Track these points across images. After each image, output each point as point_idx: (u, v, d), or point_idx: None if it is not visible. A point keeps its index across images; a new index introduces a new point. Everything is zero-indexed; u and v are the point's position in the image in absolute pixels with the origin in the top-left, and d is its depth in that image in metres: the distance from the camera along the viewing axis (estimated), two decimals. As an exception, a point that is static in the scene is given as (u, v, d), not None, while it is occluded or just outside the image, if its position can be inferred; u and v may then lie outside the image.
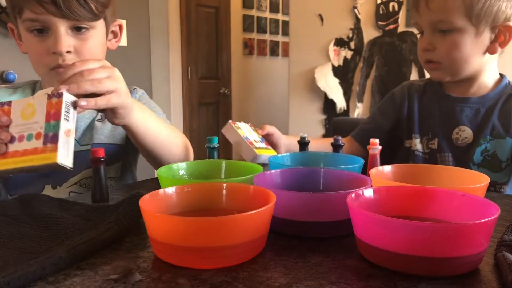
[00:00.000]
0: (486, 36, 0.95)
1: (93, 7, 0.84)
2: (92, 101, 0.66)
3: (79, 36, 0.86)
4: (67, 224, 0.59)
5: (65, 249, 0.50)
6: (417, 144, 1.06)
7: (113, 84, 0.69)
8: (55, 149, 0.60)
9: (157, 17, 3.19)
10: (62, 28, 0.83)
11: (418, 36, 1.03)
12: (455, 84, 1.03)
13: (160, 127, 0.85)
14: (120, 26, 0.99)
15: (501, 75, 1.04)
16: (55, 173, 0.93)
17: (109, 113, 0.73)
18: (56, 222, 0.60)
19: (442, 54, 0.97)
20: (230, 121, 0.92)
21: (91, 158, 0.74)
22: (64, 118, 0.62)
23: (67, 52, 0.84)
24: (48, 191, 0.93)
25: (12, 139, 0.63)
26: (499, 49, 0.97)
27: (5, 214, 0.63)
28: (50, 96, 0.63)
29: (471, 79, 1.01)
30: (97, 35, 0.89)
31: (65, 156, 0.62)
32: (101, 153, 0.74)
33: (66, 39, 0.83)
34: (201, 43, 3.69)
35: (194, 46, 3.60)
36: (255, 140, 0.96)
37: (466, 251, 0.47)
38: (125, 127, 0.79)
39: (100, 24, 0.89)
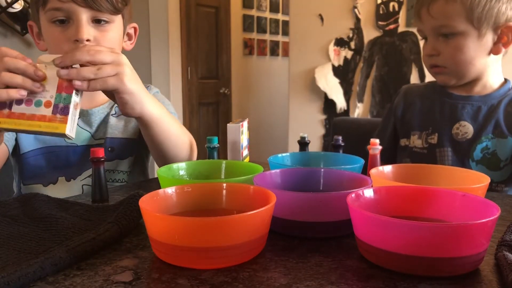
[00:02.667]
0: (489, 38, 0.96)
1: (114, 0, 0.88)
2: (85, 84, 0.68)
3: (99, 28, 0.89)
4: (67, 225, 0.59)
5: (65, 249, 0.50)
6: (415, 141, 1.07)
7: (114, 69, 0.71)
8: (64, 121, 0.66)
9: (157, 17, 3.19)
10: (84, 17, 0.86)
11: (422, 42, 1.05)
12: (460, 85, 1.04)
13: (172, 123, 0.87)
14: (135, 29, 1.03)
15: (505, 80, 1.06)
16: (70, 166, 0.95)
17: (118, 103, 0.75)
18: (56, 222, 0.60)
19: (447, 58, 0.99)
20: (241, 123, 0.92)
21: (90, 158, 0.74)
22: (75, 93, 0.67)
23: (87, 40, 0.86)
24: (62, 183, 0.95)
25: (18, 101, 0.66)
26: (503, 49, 0.98)
27: (5, 214, 0.63)
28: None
29: (475, 80, 1.02)
30: (115, 29, 0.92)
31: (71, 128, 0.67)
32: (101, 153, 0.74)
33: (87, 28, 0.87)
34: (201, 43, 3.69)
35: (194, 46, 3.59)
36: (244, 147, 0.96)
37: (466, 251, 0.47)
38: (138, 120, 0.80)
39: (118, 20, 0.93)
